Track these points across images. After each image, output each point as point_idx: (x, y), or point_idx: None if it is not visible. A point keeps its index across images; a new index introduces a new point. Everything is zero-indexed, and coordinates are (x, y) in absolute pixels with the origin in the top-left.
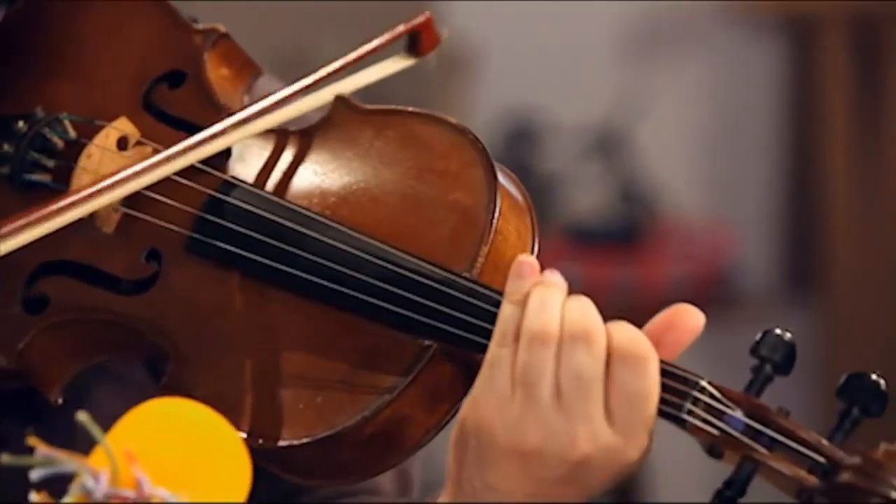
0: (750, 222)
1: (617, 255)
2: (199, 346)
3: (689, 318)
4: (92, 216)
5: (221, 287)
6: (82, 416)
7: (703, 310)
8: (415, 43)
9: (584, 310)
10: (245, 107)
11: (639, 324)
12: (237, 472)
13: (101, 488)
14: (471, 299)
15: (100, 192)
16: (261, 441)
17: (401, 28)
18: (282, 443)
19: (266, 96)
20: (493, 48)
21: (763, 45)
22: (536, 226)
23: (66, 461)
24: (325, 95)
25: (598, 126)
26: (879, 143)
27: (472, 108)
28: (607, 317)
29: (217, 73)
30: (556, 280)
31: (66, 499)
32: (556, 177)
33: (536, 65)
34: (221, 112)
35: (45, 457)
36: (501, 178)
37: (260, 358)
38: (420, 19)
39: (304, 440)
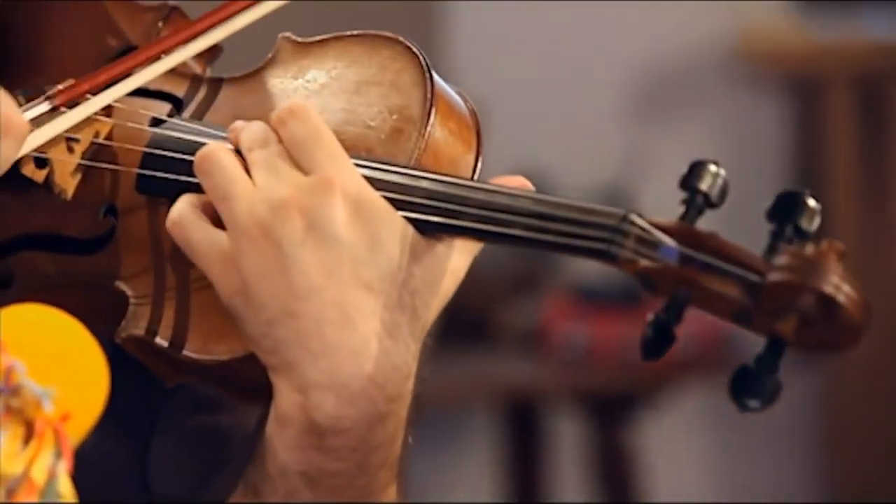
0: None
1: (624, 316)
2: (157, 282)
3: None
4: (52, 185)
5: None
6: None
7: (708, 369)
8: None
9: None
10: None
11: (646, 383)
12: (97, 377)
13: None
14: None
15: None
16: (209, 356)
17: None
18: (227, 356)
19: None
20: (499, 108)
21: (768, 105)
22: (482, 139)
23: None
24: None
25: (605, 186)
26: (885, 203)
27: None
28: (614, 376)
29: None
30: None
31: None
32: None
33: (543, 124)
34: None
35: None
36: (441, 83)
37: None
38: None
39: (248, 352)
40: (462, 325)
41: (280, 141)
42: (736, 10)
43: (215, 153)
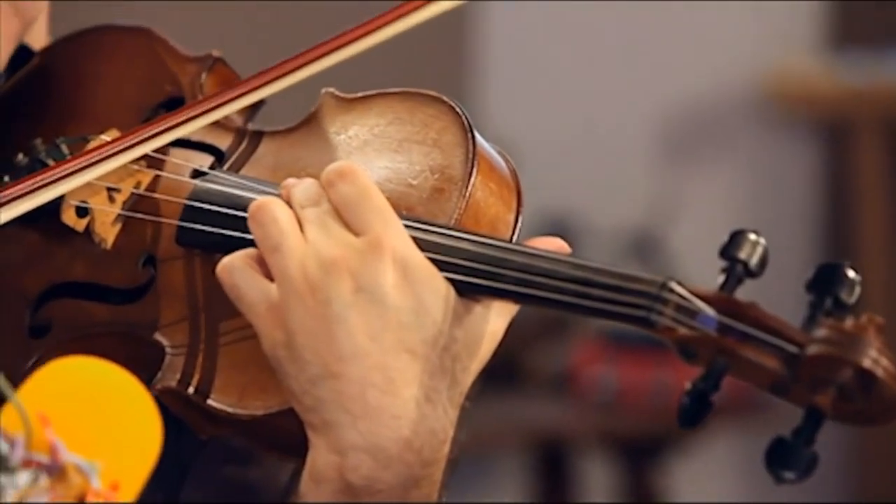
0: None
1: (652, 358)
2: (194, 334)
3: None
4: (92, 234)
5: (211, 276)
6: None
7: (738, 413)
8: None
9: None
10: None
11: (675, 426)
12: (148, 430)
13: (18, 453)
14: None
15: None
16: (245, 411)
17: None
18: (263, 411)
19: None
20: (528, 150)
21: (798, 148)
22: (522, 199)
23: None
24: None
25: (634, 229)
26: None
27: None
28: (643, 419)
29: None
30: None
31: None
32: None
33: (573, 167)
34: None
35: None
36: (482, 142)
37: (248, 335)
38: None
39: (286, 406)
40: (492, 368)
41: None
42: (766, 53)
43: (271, 205)
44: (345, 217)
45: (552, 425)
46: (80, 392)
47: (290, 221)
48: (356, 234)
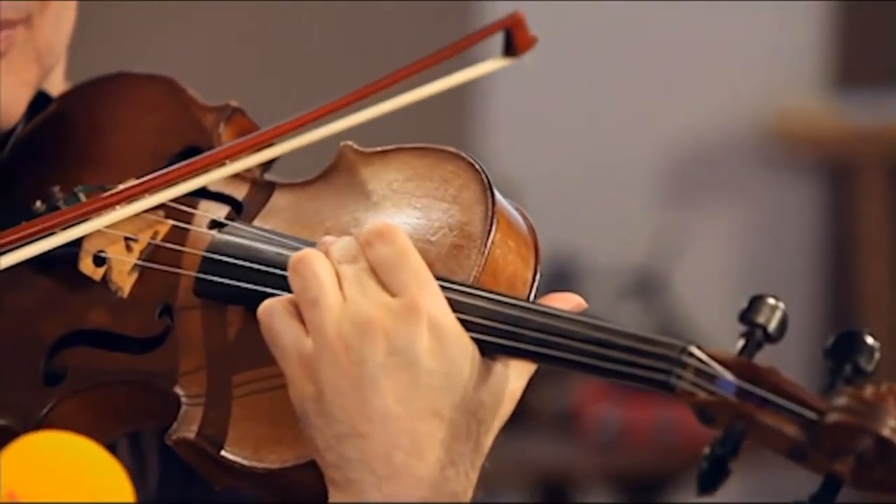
0: (789, 364)
1: (656, 397)
2: (211, 385)
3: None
4: (108, 283)
5: (228, 327)
6: None
7: (743, 451)
8: (510, 42)
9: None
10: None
11: (679, 464)
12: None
13: None
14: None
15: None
16: (261, 464)
17: (493, 27)
18: (279, 465)
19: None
20: (531, 189)
21: (801, 188)
22: (540, 255)
23: None
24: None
25: (637, 268)
26: None
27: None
28: (646, 457)
29: None
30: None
31: None
32: (595, 317)
33: (575, 207)
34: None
35: None
36: (501, 200)
37: (264, 387)
38: (510, 18)
39: (306, 459)
40: None
41: (368, 262)
42: (770, 92)
43: (312, 258)
44: (382, 277)
45: (556, 464)
46: (49, 467)
47: (330, 277)
48: (392, 294)
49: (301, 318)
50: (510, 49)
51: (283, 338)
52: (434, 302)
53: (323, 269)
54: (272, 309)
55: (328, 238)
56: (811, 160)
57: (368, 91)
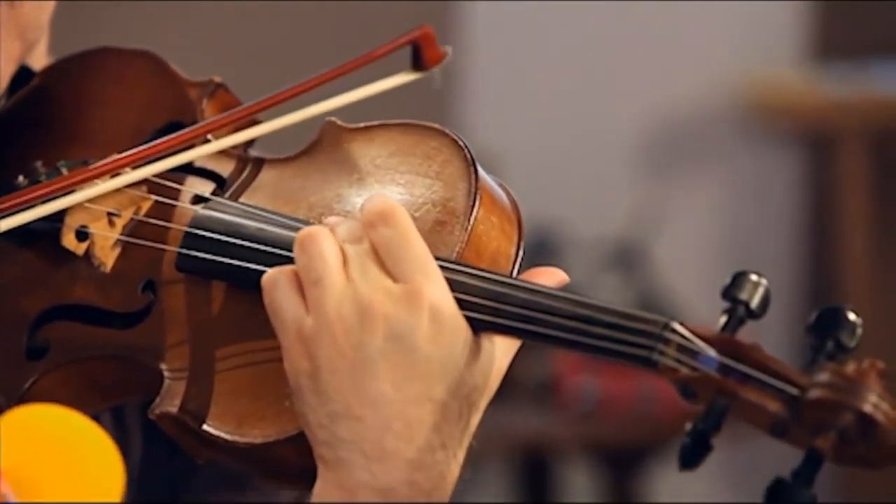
0: (769, 333)
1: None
2: (194, 360)
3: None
4: (91, 257)
5: (211, 302)
6: None
7: (726, 426)
8: (417, 56)
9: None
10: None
11: (658, 434)
12: (108, 474)
13: None
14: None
15: (90, 177)
16: (243, 439)
17: (401, 40)
18: (261, 440)
19: (256, 104)
20: (511, 162)
21: (781, 159)
22: (523, 231)
23: None
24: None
25: (617, 239)
26: None
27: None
28: (626, 427)
29: None
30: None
31: None
32: (575, 290)
33: (555, 179)
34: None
35: None
36: (485, 176)
37: (247, 362)
38: (418, 32)
39: (288, 434)
40: None
41: (371, 243)
42: (749, 65)
43: (319, 237)
44: (385, 259)
45: (535, 434)
46: (36, 441)
47: (336, 256)
48: (394, 279)
49: (303, 293)
50: (418, 63)
51: (284, 310)
52: (435, 288)
53: (329, 247)
54: (276, 280)
55: (333, 219)
56: (791, 132)
57: (287, 95)
